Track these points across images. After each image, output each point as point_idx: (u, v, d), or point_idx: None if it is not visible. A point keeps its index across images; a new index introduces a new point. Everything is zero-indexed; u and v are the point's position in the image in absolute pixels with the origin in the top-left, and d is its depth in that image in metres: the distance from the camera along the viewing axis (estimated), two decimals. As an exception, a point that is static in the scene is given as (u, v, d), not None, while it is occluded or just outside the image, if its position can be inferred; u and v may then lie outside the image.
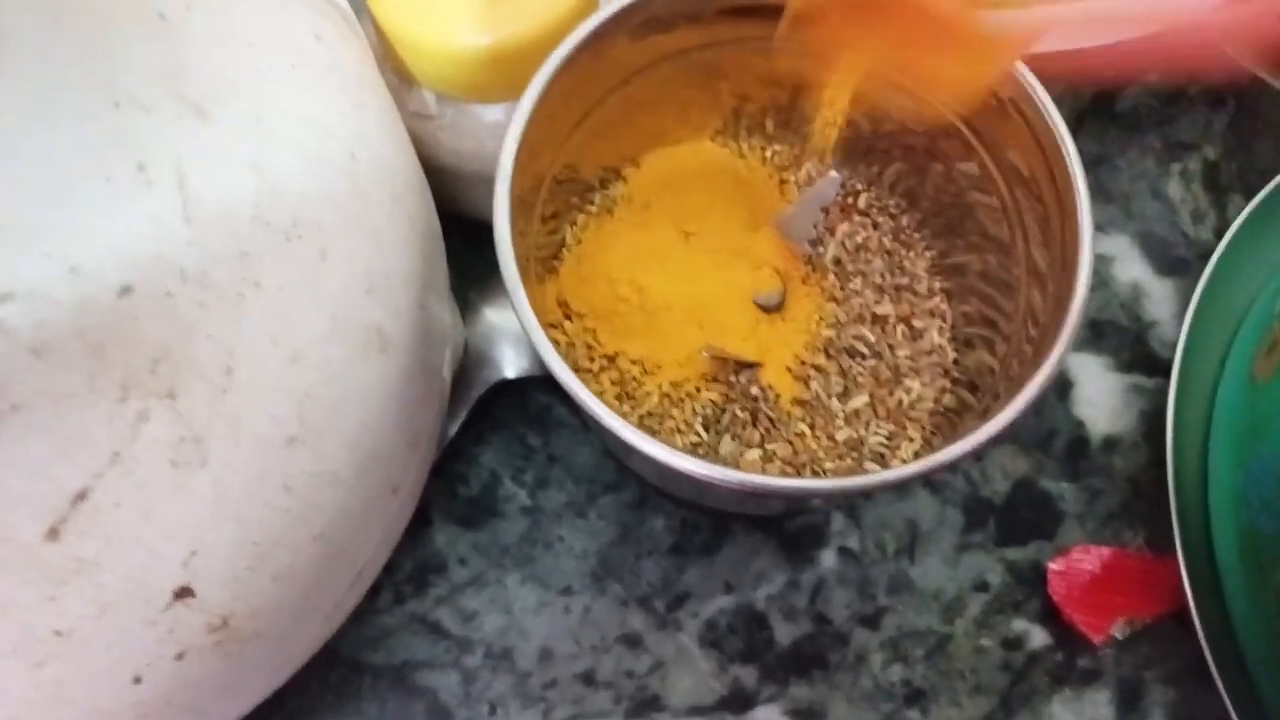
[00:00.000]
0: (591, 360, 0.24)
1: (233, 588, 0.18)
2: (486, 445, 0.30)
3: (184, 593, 0.17)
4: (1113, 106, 0.35)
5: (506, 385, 0.30)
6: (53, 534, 0.15)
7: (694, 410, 0.24)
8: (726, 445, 0.24)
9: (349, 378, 0.19)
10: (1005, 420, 0.19)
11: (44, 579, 0.16)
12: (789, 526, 0.30)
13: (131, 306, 0.15)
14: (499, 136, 0.27)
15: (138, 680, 0.18)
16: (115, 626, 0.17)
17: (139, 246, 0.15)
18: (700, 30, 0.24)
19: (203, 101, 0.16)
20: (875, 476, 0.19)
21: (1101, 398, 0.32)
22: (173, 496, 0.17)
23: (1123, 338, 0.32)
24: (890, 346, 0.25)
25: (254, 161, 0.17)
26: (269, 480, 0.18)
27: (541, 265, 0.25)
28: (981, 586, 0.30)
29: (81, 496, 0.15)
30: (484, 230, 0.31)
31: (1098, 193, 0.32)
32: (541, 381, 0.30)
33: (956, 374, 0.25)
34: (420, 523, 0.29)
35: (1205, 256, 0.33)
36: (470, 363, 0.29)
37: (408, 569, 0.29)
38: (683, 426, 0.24)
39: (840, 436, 0.24)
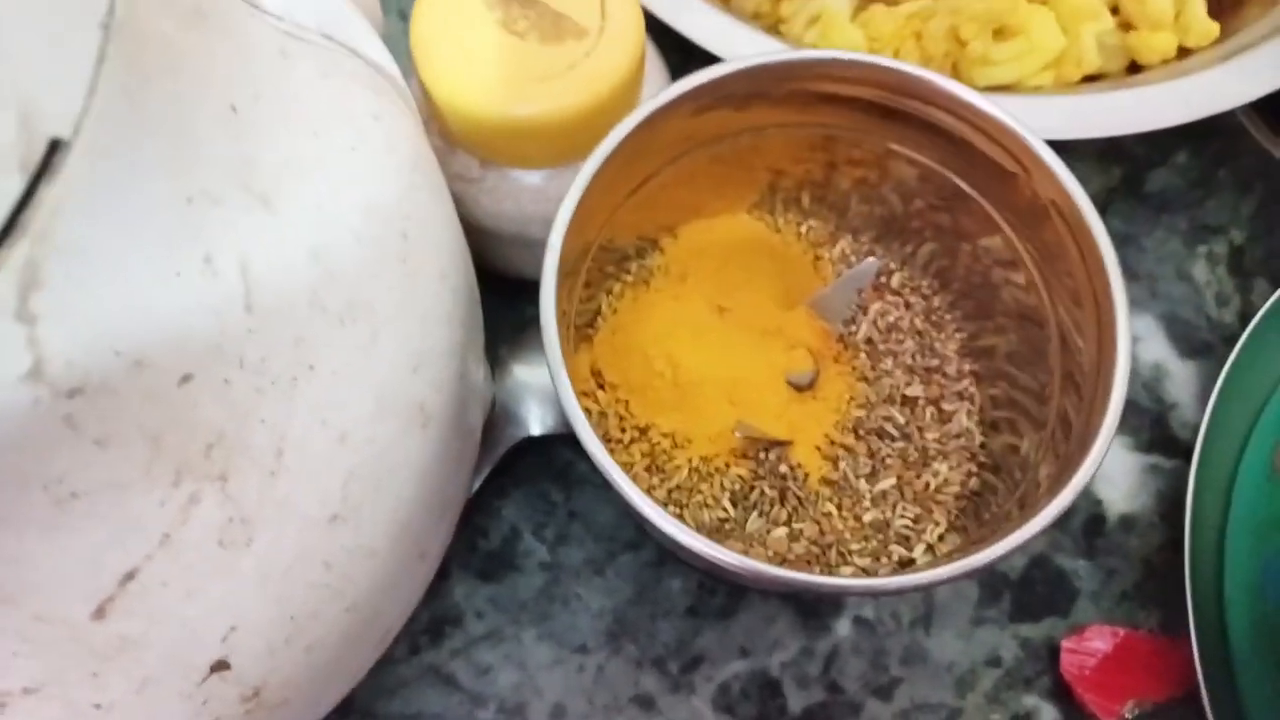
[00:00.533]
0: (623, 431, 0.25)
1: (267, 661, 0.18)
2: (508, 499, 0.31)
3: (220, 666, 0.18)
4: (1141, 187, 0.36)
5: (531, 441, 0.30)
6: (99, 613, 0.16)
7: (722, 486, 0.24)
8: (754, 522, 0.24)
9: (392, 454, 0.19)
10: (1046, 520, 0.20)
11: (89, 656, 0.16)
12: (805, 595, 0.30)
13: (191, 395, 0.15)
14: (538, 201, 0.28)
15: (170, 748, 0.18)
16: (153, 699, 0.17)
17: (202, 337, 0.15)
18: (758, 112, 0.25)
19: (268, 192, 0.17)
20: (909, 578, 0.19)
21: (1120, 477, 0.32)
22: (217, 576, 0.17)
23: (1143, 418, 0.33)
24: (919, 429, 0.25)
25: (314, 248, 0.17)
26: (310, 558, 0.18)
27: (577, 333, 0.25)
28: (994, 661, 0.30)
29: (130, 577, 0.16)
30: (515, 286, 0.32)
31: (1123, 271, 0.32)
32: (566, 437, 0.31)
33: (983, 457, 0.26)
34: (439, 575, 0.29)
35: (1228, 340, 0.33)
36: (497, 418, 0.30)
37: (424, 620, 0.29)
38: (710, 501, 0.24)
39: (867, 518, 0.24)
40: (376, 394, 0.19)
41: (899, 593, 0.20)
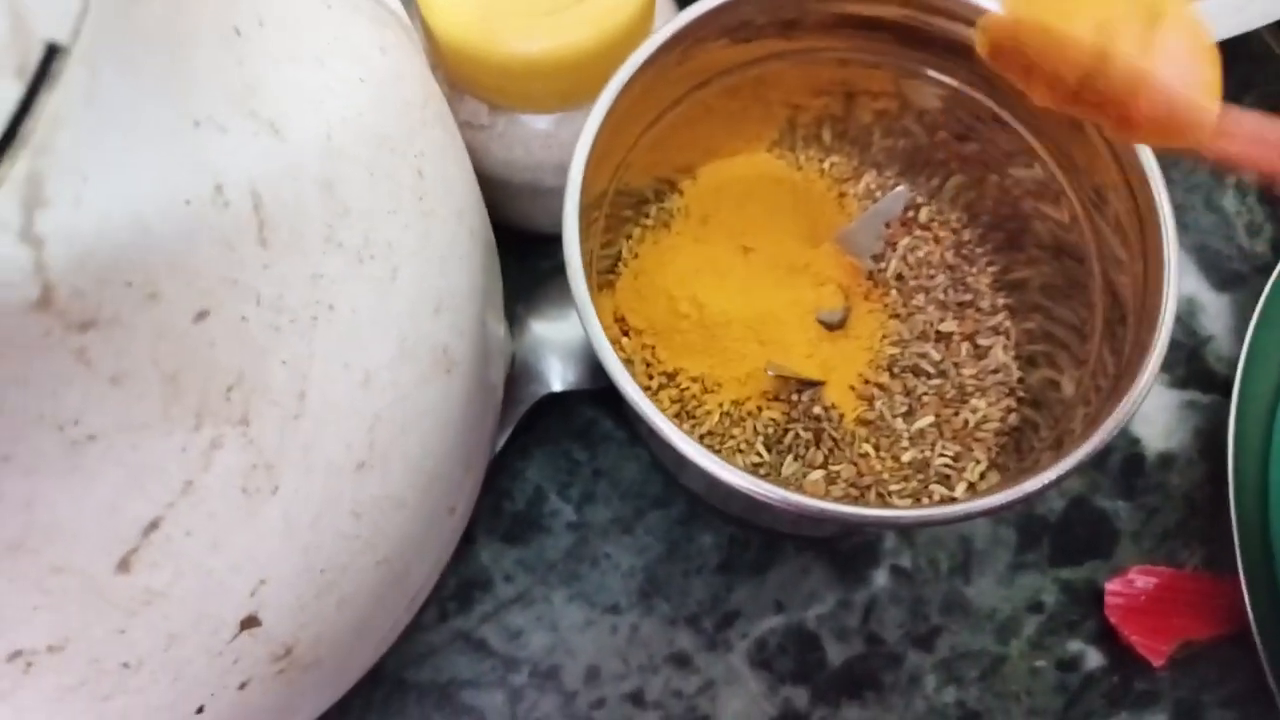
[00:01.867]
0: (650, 378, 0.24)
1: (298, 616, 0.18)
2: (531, 460, 0.30)
3: (250, 622, 0.17)
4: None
5: (552, 399, 0.29)
6: (124, 566, 0.15)
7: (755, 430, 0.23)
8: (789, 466, 0.23)
9: (417, 399, 0.19)
10: (1084, 455, 0.19)
11: (114, 611, 0.15)
12: (841, 545, 0.29)
13: (207, 332, 0.15)
14: (550, 146, 0.27)
15: (200, 710, 0.17)
16: (182, 658, 0.16)
17: (215, 270, 0.15)
18: (773, 41, 0.24)
19: (276, 119, 0.16)
20: (952, 508, 0.18)
21: (1156, 414, 0.31)
22: (243, 525, 0.16)
23: (1178, 353, 0.32)
24: (955, 365, 0.24)
25: (327, 180, 0.17)
26: (338, 507, 0.17)
27: (599, 279, 0.24)
28: (1036, 607, 0.29)
29: (153, 526, 0.15)
30: (528, 241, 0.31)
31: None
32: (587, 395, 0.30)
33: (1021, 393, 0.25)
34: (465, 539, 0.29)
35: (1261, 270, 0.33)
36: (516, 376, 0.29)
37: (452, 586, 0.29)
38: (744, 446, 0.23)
39: (905, 458, 0.23)
40: (399, 336, 0.18)
41: (943, 523, 0.19)
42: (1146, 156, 0.20)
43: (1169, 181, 0.33)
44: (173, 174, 0.14)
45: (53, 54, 0.11)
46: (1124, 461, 0.31)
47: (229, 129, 0.15)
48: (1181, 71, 0.17)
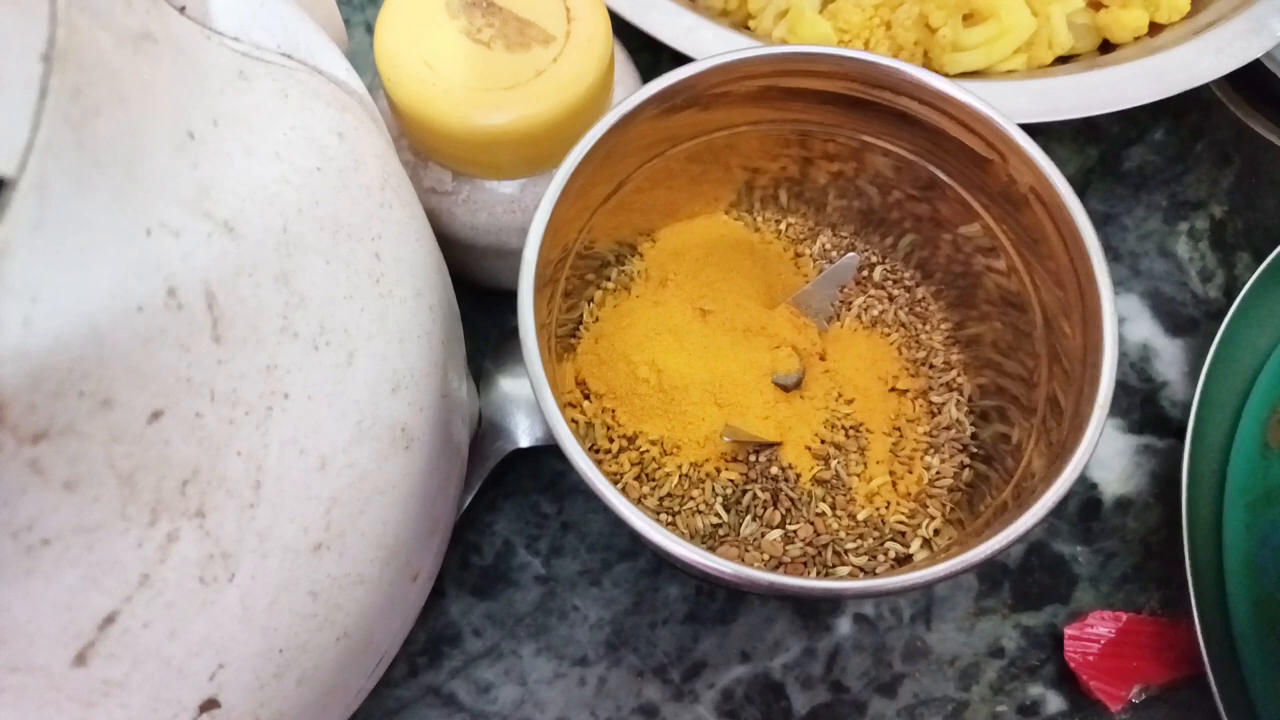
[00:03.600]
0: (611, 440, 0.24)
1: (258, 695, 0.18)
2: (500, 513, 0.30)
3: (210, 705, 0.17)
4: (1119, 165, 0.35)
5: (519, 452, 0.29)
6: (80, 659, 0.15)
7: (714, 491, 0.24)
8: (748, 526, 0.24)
9: (375, 478, 0.19)
10: (1043, 510, 0.19)
11: (72, 703, 0.16)
12: (804, 597, 0.30)
13: (162, 431, 0.15)
14: (513, 210, 0.27)
15: (161, 791, 0.18)
16: (141, 743, 0.17)
17: (169, 371, 0.15)
18: (731, 110, 0.24)
19: (231, 219, 0.16)
20: (908, 577, 0.19)
21: (1113, 459, 0.32)
22: (200, 613, 0.16)
23: (1133, 398, 0.33)
24: (910, 422, 0.25)
25: (282, 273, 0.17)
26: (295, 588, 0.18)
27: (560, 342, 0.25)
28: (997, 652, 0.30)
29: (110, 620, 0.15)
30: (496, 297, 0.31)
31: (1105, 251, 0.32)
32: (555, 448, 0.30)
33: (974, 448, 0.25)
34: (434, 593, 0.29)
35: (1214, 315, 0.33)
36: (485, 432, 0.29)
37: (422, 641, 0.29)
38: (703, 507, 0.24)
39: (861, 515, 0.24)
40: (355, 418, 0.18)
41: (899, 593, 0.19)
42: (1085, 228, 0.21)
43: (1122, 228, 0.34)
44: (125, 282, 0.14)
45: None
46: (1082, 506, 0.31)
47: (182, 233, 0.15)
48: None
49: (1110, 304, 0.21)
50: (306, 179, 0.18)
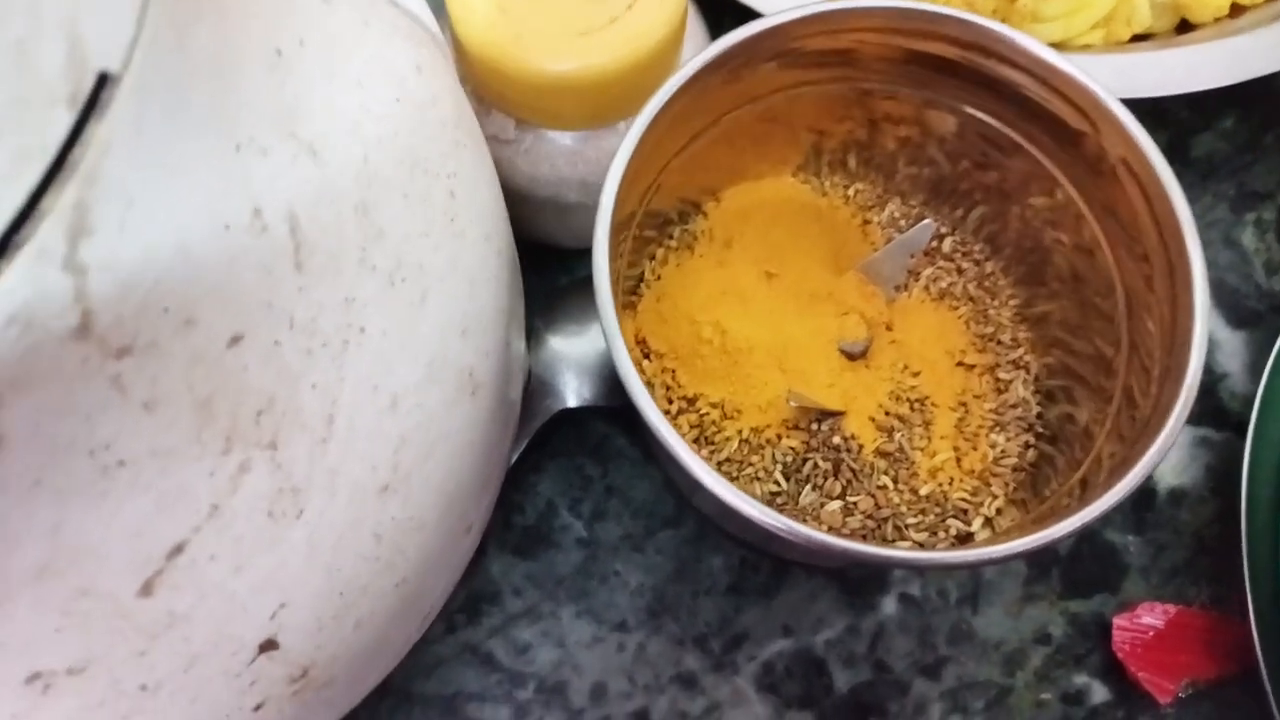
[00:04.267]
0: (670, 402, 0.24)
1: (316, 638, 0.18)
2: (544, 474, 0.30)
3: (269, 645, 0.17)
4: (1187, 153, 0.35)
5: (566, 414, 0.29)
6: (147, 589, 0.15)
7: (774, 458, 0.23)
8: (807, 495, 0.23)
9: (442, 422, 0.19)
10: (1109, 504, 0.19)
11: (135, 633, 0.15)
12: (851, 572, 0.29)
13: (241, 357, 0.15)
14: (575, 163, 0.27)
15: (215, 730, 0.17)
16: (200, 680, 0.16)
17: (250, 295, 0.15)
18: (801, 70, 0.24)
19: (315, 142, 0.16)
20: (973, 553, 0.18)
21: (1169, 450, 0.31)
22: (267, 549, 0.16)
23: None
24: (976, 398, 0.24)
25: (361, 203, 0.17)
26: (361, 529, 0.17)
27: (621, 300, 0.24)
28: (1043, 639, 0.29)
29: (178, 550, 0.15)
30: (547, 255, 0.31)
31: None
32: (601, 411, 0.30)
33: (1040, 428, 0.25)
34: (475, 551, 0.29)
35: (1277, 309, 0.33)
36: (533, 390, 0.29)
37: (461, 598, 0.29)
38: (762, 474, 0.23)
39: (923, 491, 0.23)
40: (427, 359, 0.18)
41: (961, 568, 0.19)
42: (1180, 201, 0.20)
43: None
44: (214, 199, 0.14)
45: (104, 82, 0.11)
46: (1135, 496, 0.31)
47: (269, 152, 0.15)
48: None
49: (1202, 280, 0.20)
50: (386, 109, 0.18)
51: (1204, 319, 0.20)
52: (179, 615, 0.15)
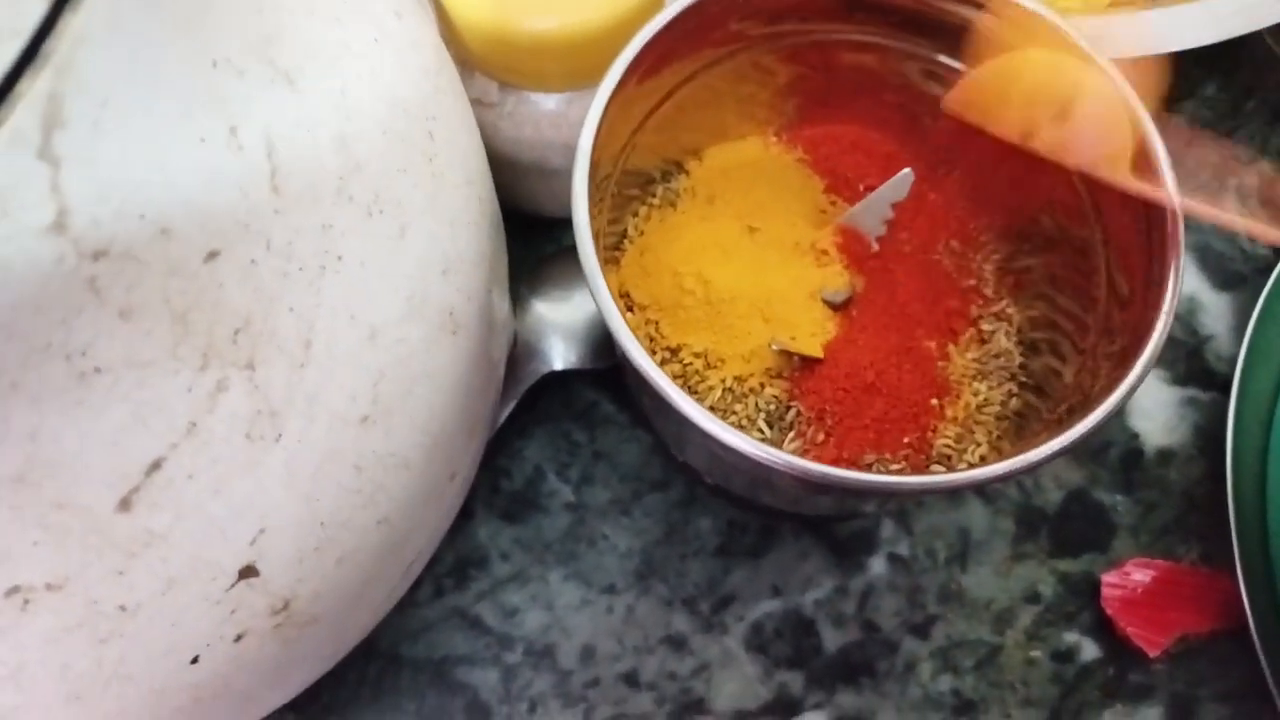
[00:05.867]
0: (654, 353, 0.24)
1: (297, 569, 0.18)
2: (531, 439, 0.30)
3: (249, 572, 0.17)
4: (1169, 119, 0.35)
5: (552, 379, 0.29)
6: (125, 505, 0.15)
7: (757, 406, 0.23)
8: (791, 443, 0.23)
9: (422, 358, 0.19)
10: (1078, 433, 0.19)
11: (114, 551, 0.15)
12: (838, 531, 0.29)
13: (217, 273, 0.15)
14: (558, 126, 0.27)
15: (195, 660, 0.17)
16: (179, 604, 0.16)
17: (227, 212, 0.15)
18: (779, 25, 0.24)
19: (292, 70, 0.16)
20: (944, 478, 0.18)
21: (1156, 410, 0.31)
22: (245, 471, 0.16)
23: (1178, 351, 0.32)
24: (958, 348, 0.25)
25: (340, 134, 0.17)
26: (341, 459, 0.17)
27: (604, 255, 0.24)
28: (1033, 597, 0.29)
29: (156, 466, 0.15)
30: (532, 223, 0.31)
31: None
32: (588, 376, 0.30)
33: (1023, 378, 0.25)
34: (463, 514, 0.29)
35: (1261, 271, 0.33)
36: (518, 355, 0.29)
37: (449, 562, 0.29)
38: (745, 423, 0.23)
39: (906, 438, 0.23)
40: (406, 293, 0.18)
41: (936, 490, 0.19)
42: (1158, 148, 0.21)
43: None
44: (189, 111, 0.14)
45: (76, -25, 0.12)
46: (1123, 455, 0.31)
47: (246, 74, 0.15)
48: (1094, 141, 0.22)
49: (1179, 219, 0.20)
50: (366, 48, 0.18)
51: (1180, 247, 0.20)
52: (157, 534, 0.15)
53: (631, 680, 0.28)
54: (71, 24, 0.11)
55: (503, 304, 0.25)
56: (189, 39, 0.14)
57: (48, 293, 0.13)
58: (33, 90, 0.11)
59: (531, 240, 0.31)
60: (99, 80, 0.12)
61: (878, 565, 0.29)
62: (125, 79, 0.13)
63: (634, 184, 0.26)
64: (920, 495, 0.27)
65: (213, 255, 0.15)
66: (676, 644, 0.28)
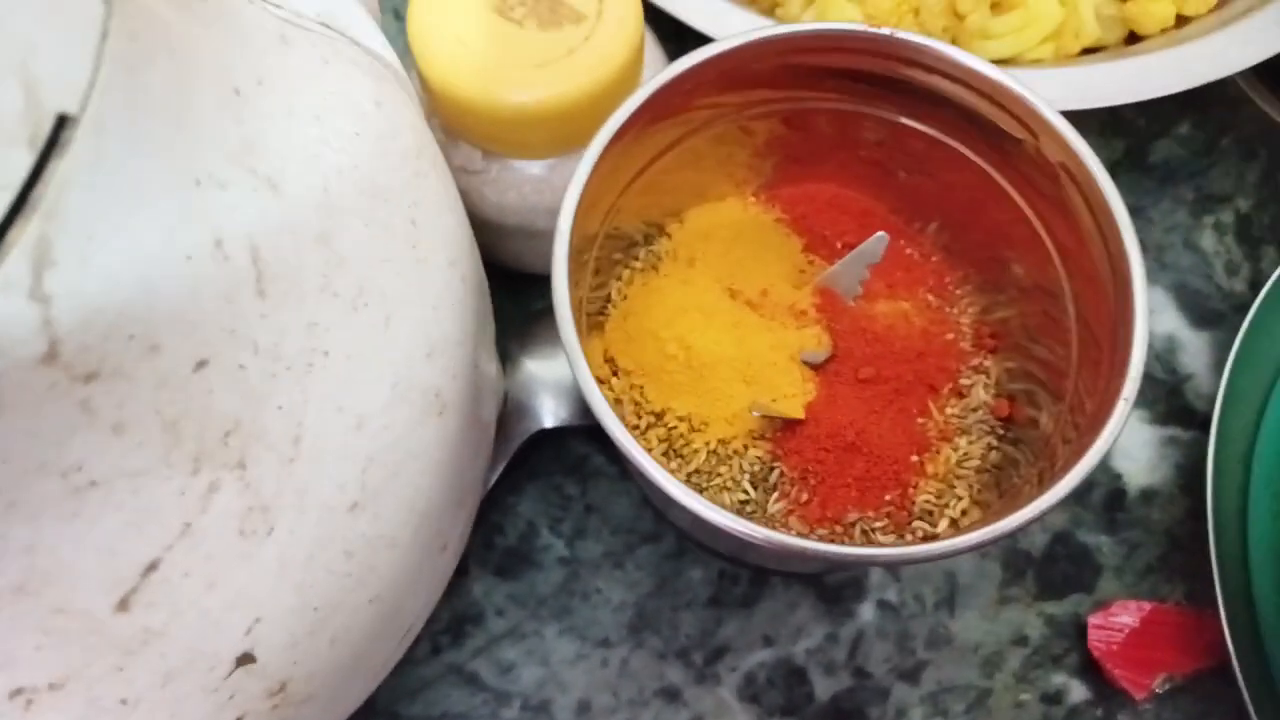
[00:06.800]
0: (639, 417, 0.24)
1: (292, 653, 0.18)
2: (523, 495, 0.30)
3: (245, 659, 0.17)
4: (1145, 158, 0.35)
5: (544, 435, 0.30)
6: (123, 606, 0.15)
7: (741, 468, 0.24)
8: (775, 504, 0.24)
9: (409, 442, 0.19)
10: (1062, 492, 0.19)
11: (113, 650, 0.16)
12: (828, 580, 0.30)
13: (206, 380, 0.15)
14: (542, 191, 0.27)
15: (195, 746, 0.18)
16: (178, 695, 0.17)
17: (215, 321, 0.15)
18: (758, 92, 0.25)
19: (274, 175, 0.17)
20: (935, 547, 0.19)
21: (1138, 450, 0.32)
22: (239, 565, 0.17)
23: (1158, 390, 0.32)
24: (937, 404, 0.25)
25: (323, 232, 0.17)
26: (331, 546, 0.18)
27: (589, 320, 0.25)
28: (1021, 640, 0.29)
29: (152, 568, 0.16)
30: (522, 281, 0.31)
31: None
32: (579, 430, 0.31)
33: (1002, 430, 0.25)
34: (458, 572, 0.29)
35: (1240, 309, 0.33)
36: (509, 413, 0.29)
37: (445, 620, 0.29)
38: (730, 484, 0.24)
39: (887, 495, 0.24)
40: (392, 380, 0.19)
41: (923, 561, 0.19)
42: (1116, 203, 0.21)
43: (1148, 221, 0.34)
44: (175, 231, 0.15)
45: (62, 123, 0.12)
46: (1106, 496, 0.31)
47: (229, 186, 0.16)
48: None
49: (1141, 278, 0.21)
50: (346, 143, 0.19)
51: (1144, 308, 0.20)
52: (154, 631, 0.16)
53: (627, 733, 0.28)
54: (58, 171, 0.12)
55: (490, 366, 0.26)
56: (172, 162, 0.14)
57: (41, 417, 0.13)
58: (23, 238, 0.12)
59: (519, 296, 0.32)
60: (86, 219, 0.13)
61: (867, 612, 0.29)
62: (112, 211, 0.13)
63: (617, 248, 0.26)
64: (903, 564, 0.27)
65: (201, 364, 0.15)
66: (671, 695, 0.29)
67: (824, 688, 0.29)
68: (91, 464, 0.14)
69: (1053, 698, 0.29)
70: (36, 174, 0.12)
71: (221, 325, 0.15)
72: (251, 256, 0.16)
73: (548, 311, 0.32)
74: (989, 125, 0.23)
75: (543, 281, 0.32)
